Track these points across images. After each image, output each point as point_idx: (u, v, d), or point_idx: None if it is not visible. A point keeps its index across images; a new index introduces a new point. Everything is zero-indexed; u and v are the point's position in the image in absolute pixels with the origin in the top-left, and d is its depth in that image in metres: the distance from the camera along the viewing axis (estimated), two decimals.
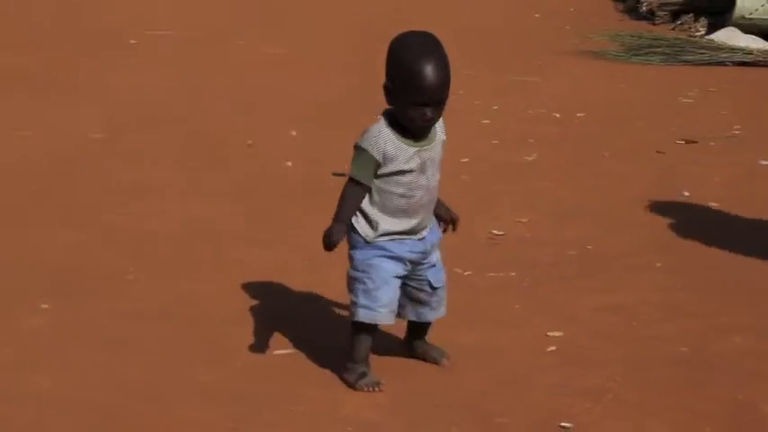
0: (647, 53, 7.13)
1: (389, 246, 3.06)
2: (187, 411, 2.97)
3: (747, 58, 6.93)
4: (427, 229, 3.11)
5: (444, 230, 3.21)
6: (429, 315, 3.19)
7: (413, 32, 3.04)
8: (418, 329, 3.24)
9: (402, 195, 3.02)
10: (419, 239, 3.09)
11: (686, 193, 4.72)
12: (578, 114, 5.93)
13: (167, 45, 7.31)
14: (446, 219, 3.19)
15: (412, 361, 3.26)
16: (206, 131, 5.67)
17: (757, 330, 3.39)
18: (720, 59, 6.95)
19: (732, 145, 5.43)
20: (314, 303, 3.63)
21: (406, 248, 3.07)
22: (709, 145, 5.42)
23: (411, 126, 2.99)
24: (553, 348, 3.33)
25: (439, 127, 3.09)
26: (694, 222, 4.39)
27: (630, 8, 8.22)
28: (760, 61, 6.89)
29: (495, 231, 4.28)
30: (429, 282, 3.14)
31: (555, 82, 6.45)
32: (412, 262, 3.09)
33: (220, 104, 6.10)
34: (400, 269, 3.08)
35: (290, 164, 5.15)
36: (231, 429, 2.88)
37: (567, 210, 4.57)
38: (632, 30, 7.68)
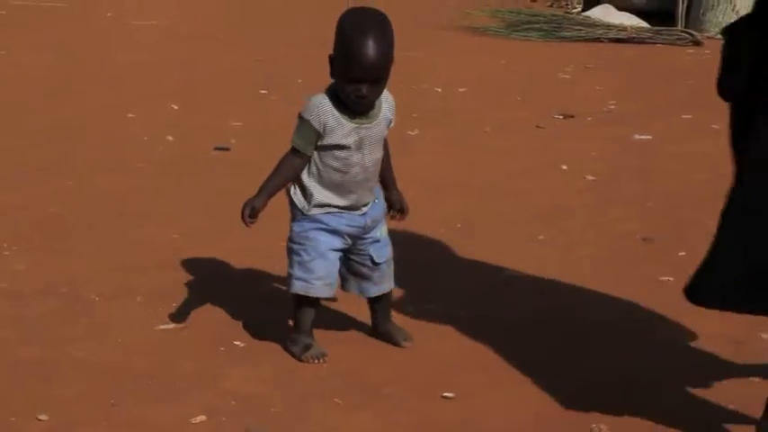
0: (526, 29, 7.23)
1: (326, 219, 3.05)
2: (65, 387, 2.91)
3: (622, 35, 7.09)
4: (368, 206, 3.10)
5: (392, 217, 3.21)
6: (372, 290, 3.18)
7: (362, 9, 3.04)
8: (376, 306, 3.23)
9: (337, 170, 3.01)
10: (359, 214, 3.08)
11: (564, 167, 4.82)
12: (460, 89, 5.99)
13: (31, 16, 7.10)
14: (396, 206, 3.20)
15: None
16: (84, 105, 5.56)
17: (631, 301, 3.48)
18: (596, 36, 7.10)
19: (608, 120, 5.56)
20: (194, 278, 3.60)
21: (344, 222, 3.06)
22: (586, 120, 5.53)
23: (347, 101, 2.98)
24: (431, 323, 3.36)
25: (386, 105, 3.09)
26: (573, 195, 4.49)
27: None
28: (634, 38, 7.06)
29: None
30: (371, 256, 3.13)
31: (437, 58, 6.49)
32: (351, 236, 3.09)
33: (96, 78, 5.97)
34: (337, 242, 3.07)
35: (171, 138, 5.08)
36: (110, 405, 2.84)
37: (450, 183, 4.61)
38: (511, 6, 7.79)
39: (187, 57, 6.52)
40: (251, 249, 3.85)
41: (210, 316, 3.34)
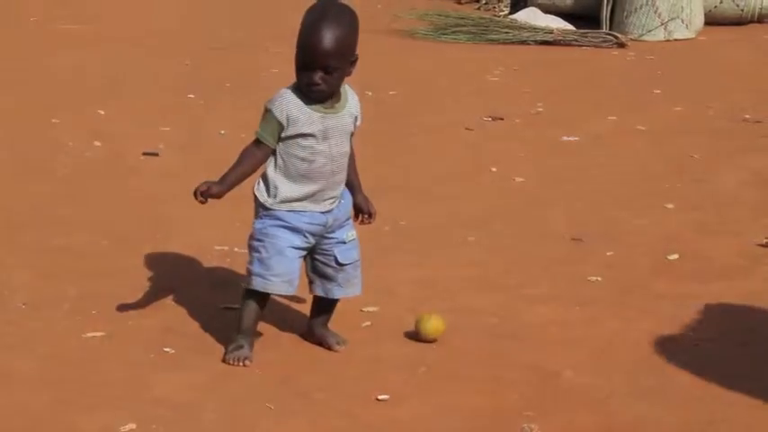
0: (454, 32, 7.27)
1: (287, 216, 3.04)
2: None
3: (548, 38, 7.16)
4: (332, 202, 3.09)
5: (360, 222, 3.22)
6: (337, 292, 3.17)
7: (327, 1, 3.05)
8: (321, 310, 3.21)
9: (303, 159, 3.01)
10: (321, 212, 3.07)
11: (494, 169, 4.85)
12: (390, 92, 6.00)
13: None
14: (364, 210, 3.21)
15: (227, 339, 3.22)
16: (6, 110, 5.46)
17: (562, 301, 3.52)
18: (523, 38, 7.16)
19: (536, 121, 5.61)
20: (124, 285, 3.55)
21: (305, 220, 3.05)
22: (514, 122, 5.58)
23: (303, 89, 3.01)
24: (368, 323, 3.36)
25: (353, 101, 3.12)
26: (502, 197, 4.52)
27: None
28: (560, 40, 7.13)
29: None
30: (335, 257, 3.13)
31: (366, 60, 6.48)
32: (312, 234, 3.08)
33: (20, 83, 5.88)
34: (298, 240, 3.05)
35: (98, 143, 5.01)
36: (38, 414, 2.79)
37: (380, 186, 4.61)
38: (440, 9, 7.82)
39: (114, 61, 6.44)
40: (180, 256, 3.81)
41: (140, 323, 3.30)
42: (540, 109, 5.81)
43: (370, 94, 5.92)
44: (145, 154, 4.90)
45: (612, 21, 7.31)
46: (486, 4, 7.98)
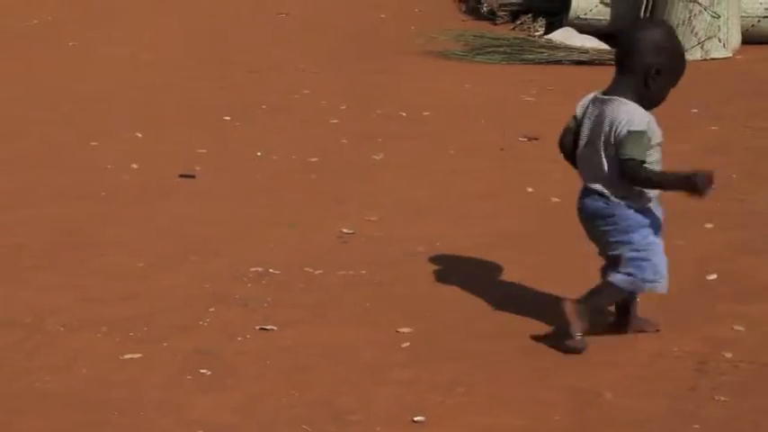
0: (489, 52, 7.25)
1: (653, 217, 3.36)
2: (30, 420, 2.87)
3: (583, 57, 7.13)
4: None
5: None
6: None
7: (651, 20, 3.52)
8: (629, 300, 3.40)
9: (657, 162, 3.34)
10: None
11: (530, 189, 4.83)
12: (424, 113, 5.99)
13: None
14: None
15: (263, 360, 3.22)
16: (46, 134, 5.51)
17: (599, 322, 3.48)
18: (558, 58, 7.13)
19: None
20: (160, 306, 3.56)
21: (660, 211, 3.41)
22: (550, 142, 5.55)
23: (657, 103, 3.41)
24: (406, 344, 3.34)
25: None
26: (539, 217, 4.50)
27: (472, 9, 8.35)
28: (595, 60, 7.10)
29: (344, 230, 4.28)
30: None
31: (401, 82, 6.50)
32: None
33: (58, 107, 5.93)
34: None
35: (135, 166, 5.04)
36: None
37: (415, 207, 4.61)
38: (475, 30, 7.81)
39: (150, 84, 6.49)
40: (215, 275, 3.82)
41: (176, 344, 3.31)
42: None
43: (404, 114, 5.93)
44: (181, 176, 4.92)
45: None
46: (521, 24, 7.96)
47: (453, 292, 3.73)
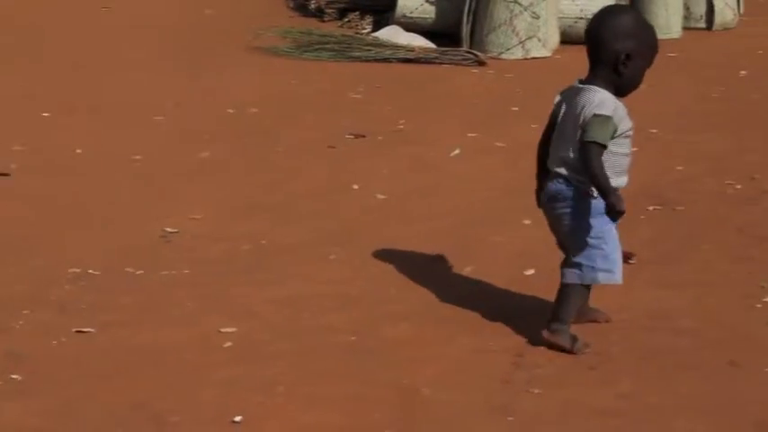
0: (317, 50, 7.26)
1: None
2: None
3: (410, 55, 7.22)
4: None
5: None
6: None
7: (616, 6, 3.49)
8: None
9: (626, 155, 3.29)
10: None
11: (356, 186, 4.86)
12: (252, 110, 5.96)
13: None
14: None
15: (80, 364, 3.14)
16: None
17: (419, 318, 3.54)
18: (385, 56, 7.20)
19: (398, 139, 5.65)
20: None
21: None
22: (377, 139, 5.60)
23: (633, 88, 3.32)
24: (228, 344, 3.32)
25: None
26: (364, 214, 4.53)
27: (300, 6, 8.36)
28: (421, 58, 7.20)
29: (167, 229, 4.22)
30: None
31: (228, 78, 6.45)
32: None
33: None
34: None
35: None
36: None
37: (241, 205, 4.58)
38: (302, 27, 7.81)
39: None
40: (30, 276, 3.71)
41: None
42: (402, 126, 5.85)
43: (231, 111, 5.88)
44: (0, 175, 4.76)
45: (473, 39, 7.42)
46: (348, 21, 8.00)
47: (276, 291, 3.72)
